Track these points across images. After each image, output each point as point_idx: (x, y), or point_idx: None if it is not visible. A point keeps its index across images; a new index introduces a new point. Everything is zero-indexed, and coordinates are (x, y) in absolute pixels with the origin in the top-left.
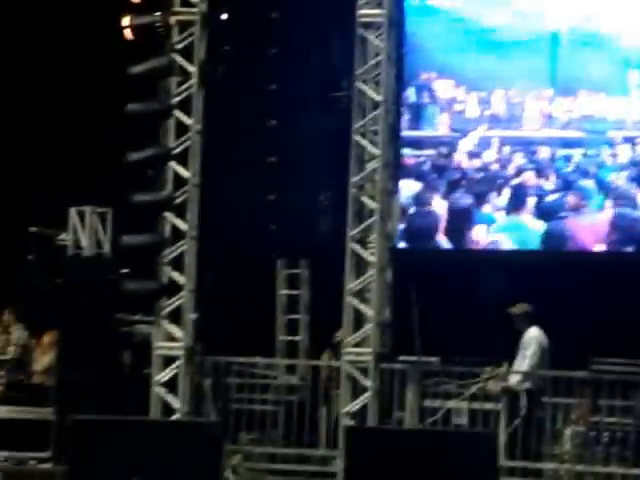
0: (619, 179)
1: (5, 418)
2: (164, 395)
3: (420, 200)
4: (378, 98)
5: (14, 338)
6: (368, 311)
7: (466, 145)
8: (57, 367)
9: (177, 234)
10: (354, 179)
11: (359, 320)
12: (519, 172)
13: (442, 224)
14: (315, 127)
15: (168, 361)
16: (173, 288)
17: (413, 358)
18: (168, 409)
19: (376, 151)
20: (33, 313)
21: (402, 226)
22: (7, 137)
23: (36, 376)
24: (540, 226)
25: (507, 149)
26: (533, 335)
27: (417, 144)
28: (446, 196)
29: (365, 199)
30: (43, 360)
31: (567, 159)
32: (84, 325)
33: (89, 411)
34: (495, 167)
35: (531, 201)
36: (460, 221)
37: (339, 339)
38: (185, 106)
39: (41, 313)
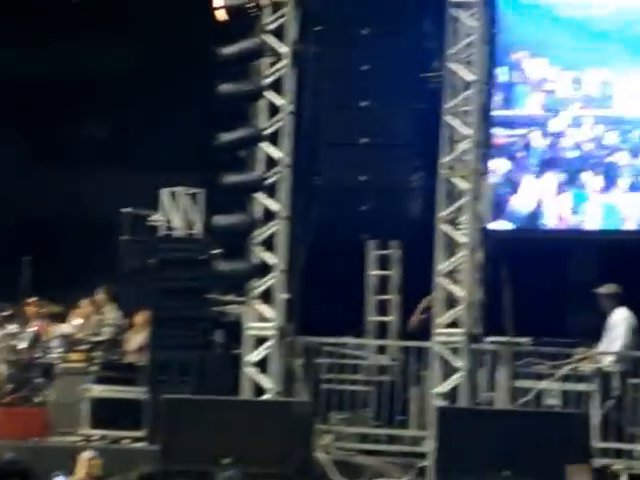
0: None
1: (100, 397)
2: (255, 375)
3: (510, 180)
4: (470, 78)
5: (108, 318)
6: (459, 292)
7: (558, 124)
8: (150, 347)
9: (268, 215)
10: (445, 159)
11: (450, 301)
12: (612, 151)
13: (535, 203)
14: (406, 107)
15: (259, 341)
16: (264, 268)
17: (504, 339)
18: (259, 389)
19: (467, 131)
20: (126, 293)
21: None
22: (101, 119)
23: (129, 355)
24: (634, 206)
25: (600, 128)
26: (622, 316)
27: (508, 124)
28: (538, 175)
29: (456, 180)
30: (136, 339)
31: None
32: (176, 305)
33: (181, 390)
34: (588, 146)
35: (624, 181)
36: (549, 200)
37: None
38: (277, 87)
39: (134, 293)
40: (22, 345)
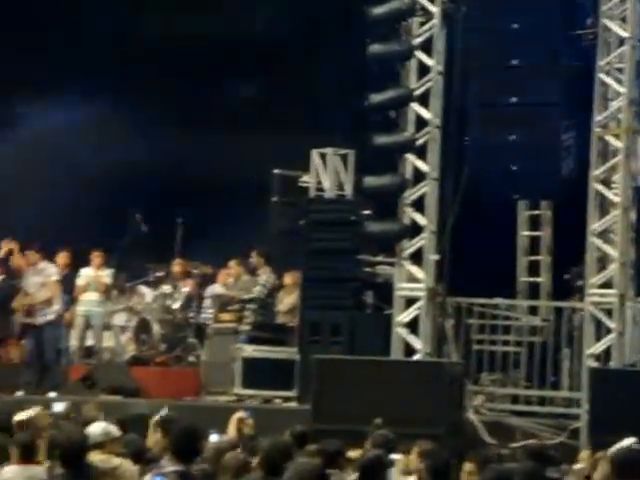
0: None
1: (252, 357)
2: (406, 336)
3: None
4: (624, 34)
5: (261, 279)
6: (612, 252)
7: None
8: (300, 307)
9: (418, 175)
10: (598, 118)
11: (603, 261)
12: None
13: None
14: (558, 65)
15: (410, 302)
16: (414, 229)
17: None
18: (409, 349)
19: (621, 89)
20: (276, 254)
21: None
22: (252, 80)
23: (280, 316)
24: None
25: None
26: None
27: None
28: None
29: (609, 138)
30: (287, 300)
31: None
32: (327, 266)
33: (332, 351)
34: None
35: None
36: None
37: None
38: (427, 47)
39: (285, 254)
40: (175, 305)
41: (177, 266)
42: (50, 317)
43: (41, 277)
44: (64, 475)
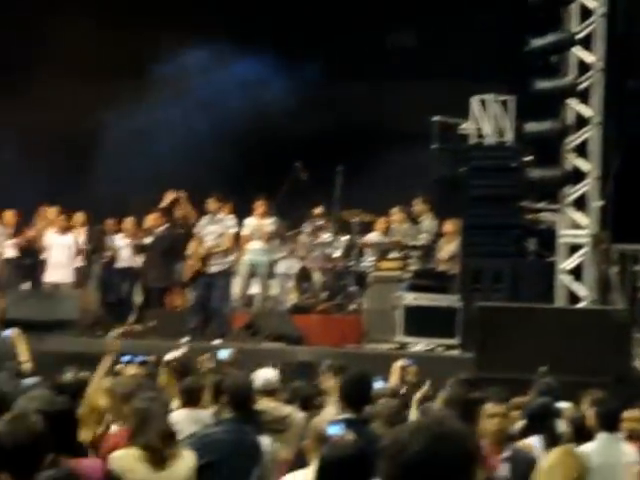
0: None
1: (413, 305)
2: (569, 283)
3: None
4: None
5: (424, 226)
6: None
7: None
8: (461, 255)
9: (581, 120)
10: None
11: None
12: None
13: None
14: None
15: (573, 249)
16: (577, 175)
17: None
18: (574, 297)
19: None
20: (437, 201)
21: None
22: (410, 27)
23: (441, 264)
24: None
25: None
26: None
27: None
28: None
29: None
30: (447, 248)
31: None
32: (488, 213)
33: (494, 298)
34: None
35: None
36: None
37: None
38: None
39: (445, 201)
40: (336, 253)
41: (317, 216)
42: (224, 267)
43: (219, 227)
44: (233, 419)
